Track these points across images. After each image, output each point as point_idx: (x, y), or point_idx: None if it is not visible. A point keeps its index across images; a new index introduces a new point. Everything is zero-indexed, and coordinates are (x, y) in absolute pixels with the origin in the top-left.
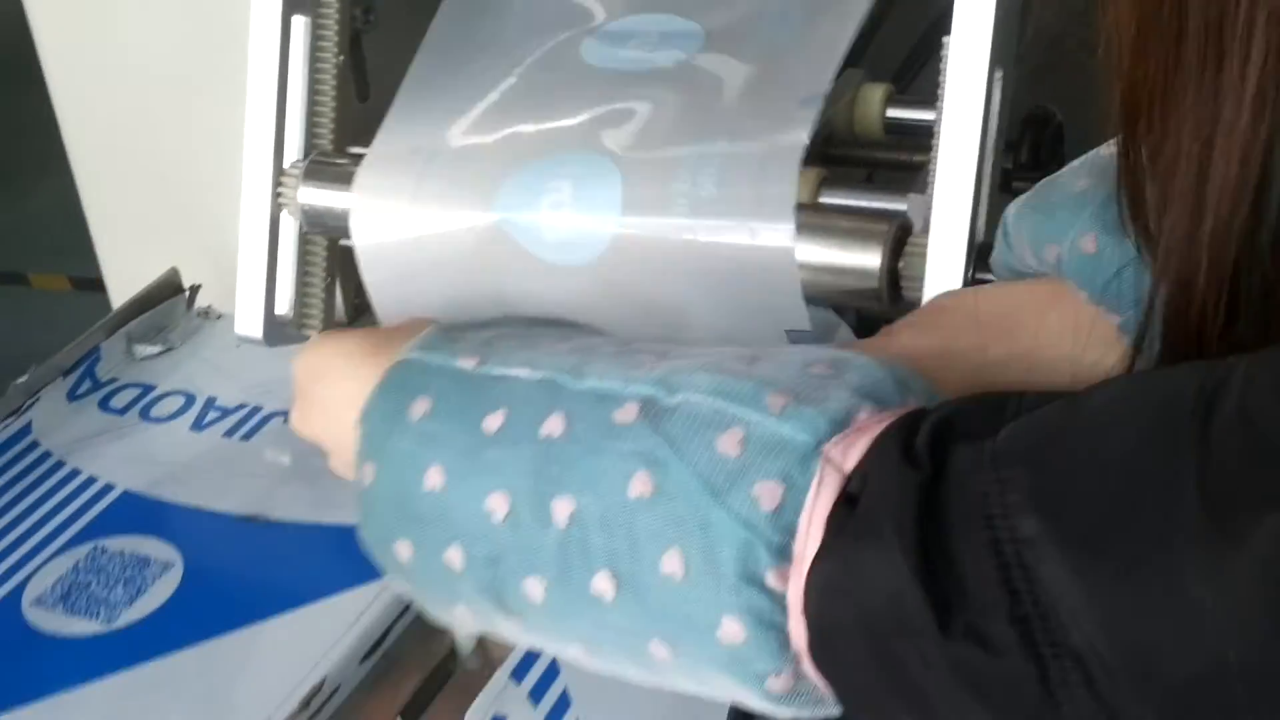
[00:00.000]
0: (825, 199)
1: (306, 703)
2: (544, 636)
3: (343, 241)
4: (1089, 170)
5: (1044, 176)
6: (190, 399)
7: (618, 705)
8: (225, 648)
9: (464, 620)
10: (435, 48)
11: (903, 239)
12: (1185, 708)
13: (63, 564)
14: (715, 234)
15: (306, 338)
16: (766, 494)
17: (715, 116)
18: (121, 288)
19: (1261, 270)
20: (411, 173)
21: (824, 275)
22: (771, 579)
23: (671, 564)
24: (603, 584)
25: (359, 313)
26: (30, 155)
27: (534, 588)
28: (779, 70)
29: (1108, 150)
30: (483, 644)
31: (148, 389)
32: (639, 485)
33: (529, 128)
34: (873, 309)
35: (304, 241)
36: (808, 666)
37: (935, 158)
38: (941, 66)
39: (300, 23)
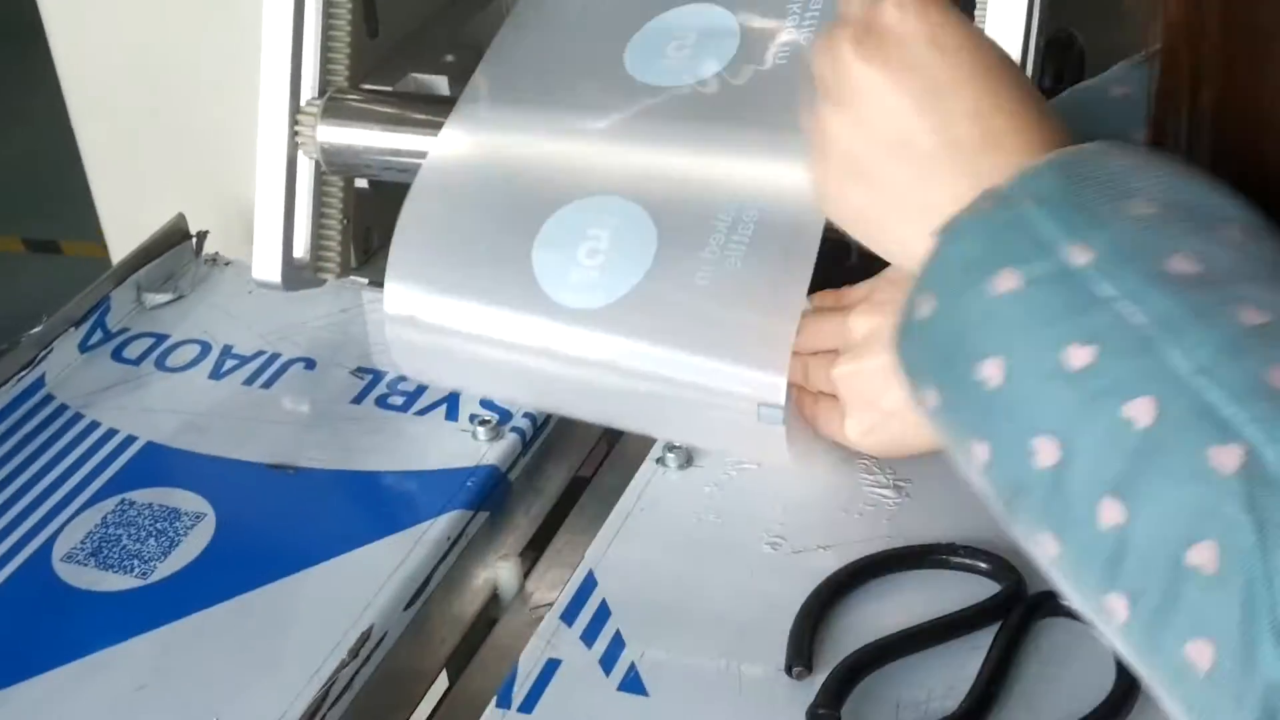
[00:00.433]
0: None
1: (356, 651)
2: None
3: (359, 182)
4: (1122, 78)
5: None
6: (206, 347)
7: (672, 644)
8: (266, 599)
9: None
10: (513, 30)
11: None
12: None
13: (90, 519)
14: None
15: (323, 282)
16: None
17: (748, 168)
18: (121, 236)
19: None
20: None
21: None
22: None
23: (1199, 654)
24: (1117, 605)
25: (369, 257)
26: None
27: (1048, 545)
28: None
29: (1131, 62)
30: (523, 590)
31: (161, 338)
32: (1201, 555)
33: (575, 155)
34: None
35: (320, 183)
36: None
37: None
38: None
39: None
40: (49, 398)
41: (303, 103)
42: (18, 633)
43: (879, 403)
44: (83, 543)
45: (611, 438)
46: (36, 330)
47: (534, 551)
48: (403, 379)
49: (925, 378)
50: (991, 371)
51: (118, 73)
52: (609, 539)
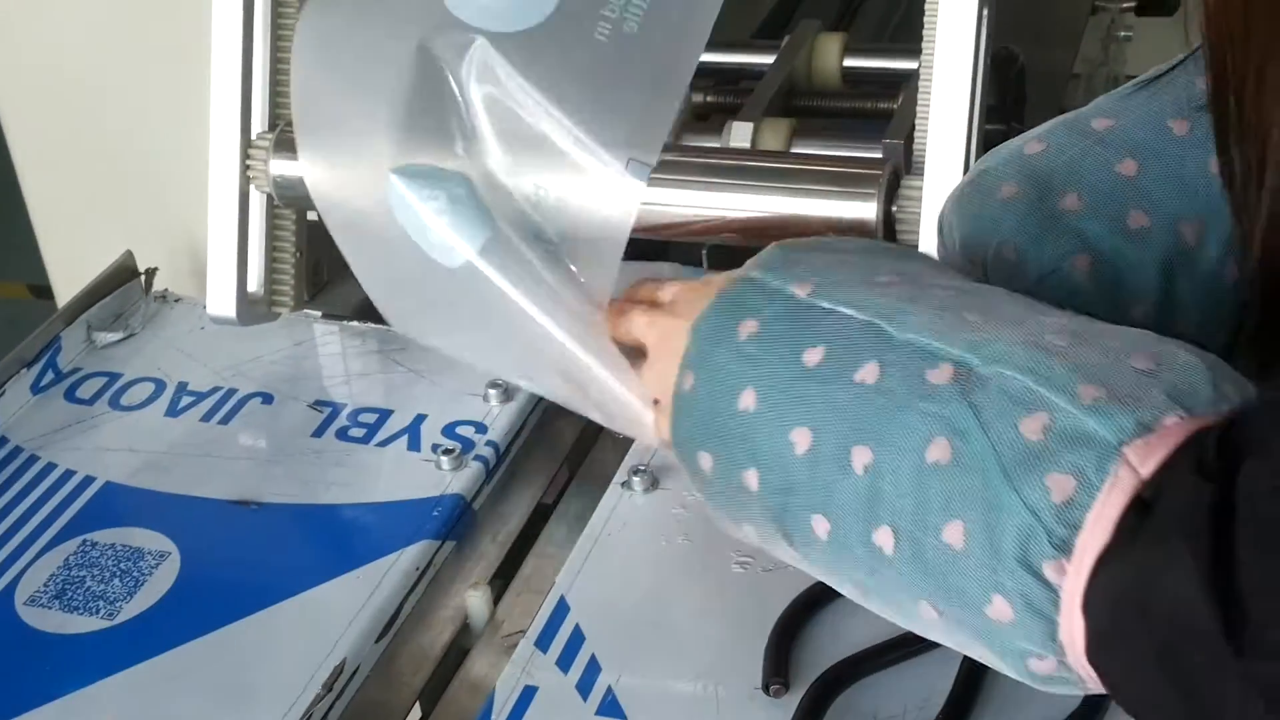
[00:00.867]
0: (798, 148)
1: (330, 685)
2: (821, 572)
3: (310, 215)
4: (1016, 171)
5: (1010, 117)
6: (160, 385)
7: (648, 667)
8: (235, 636)
9: (749, 538)
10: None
11: (895, 183)
12: None
13: (52, 561)
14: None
15: (277, 316)
16: (1058, 486)
17: (566, 129)
18: (68, 277)
19: None
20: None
21: (814, 225)
22: (1049, 570)
23: (953, 534)
24: (884, 538)
25: (320, 290)
26: None
27: (819, 526)
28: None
29: (1034, 147)
30: (494, 619)
31: (114, 377)
32: (937, 450)
33: (403, 111)
34: None
35: (273, 216)
36: (1076, 659)
37: (929, 99)
38: (928, 5)
39: None
40: (3, 440)
41: (253, 136)
42: None
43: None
44: (45, 585)
45: (574, 464)
46: None
47: (502, 580)
48: (363, 410)
49: (697, 443)
50: (748, 400)
51: (60, 112)
52: (579, 564)
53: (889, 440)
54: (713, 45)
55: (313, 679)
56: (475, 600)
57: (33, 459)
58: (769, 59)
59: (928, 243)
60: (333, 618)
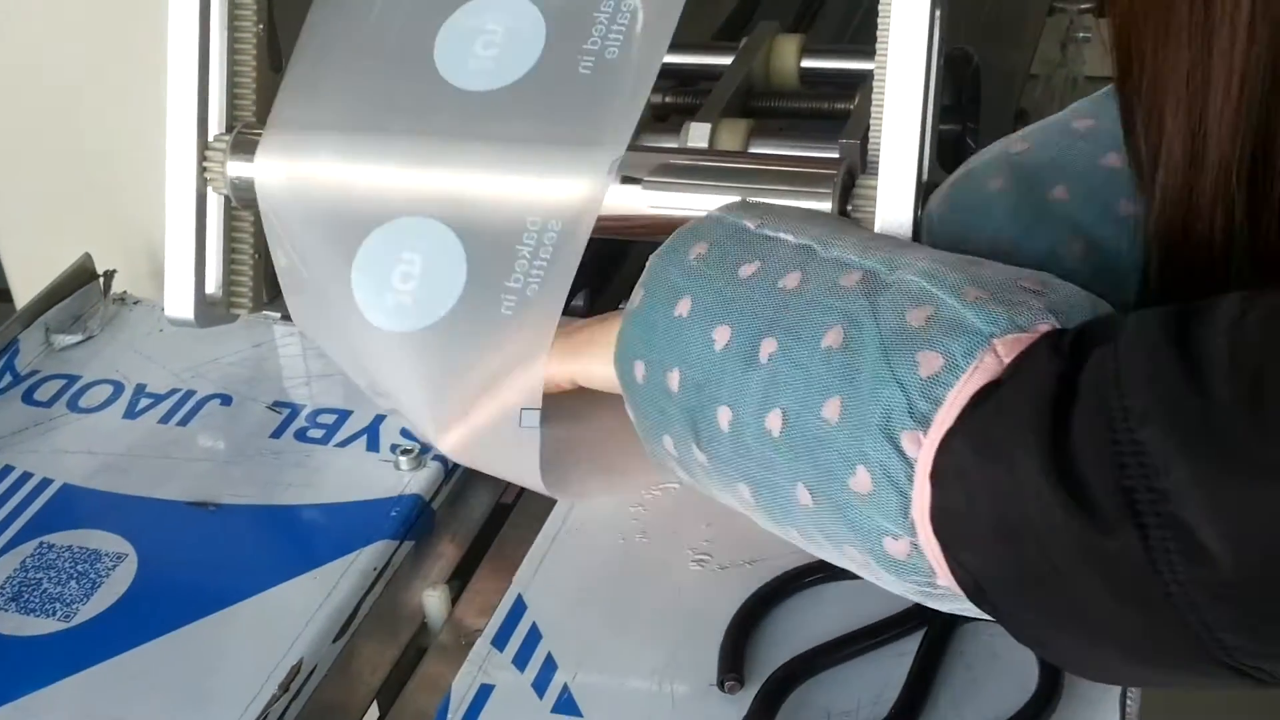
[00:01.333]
0: (755, 149)
1: (286, 685)
2: (721, 474)
3: None
4: (1003, 167)
5: (966, 117)
6: (119, 387)
7: (604, 665)
8: (192, 637)
9: (668, 453)
10: (315, 27)
11: (850, 183)
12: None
13: (8, 563)
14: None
15: (236, 317)
16: (926, 362)
17: (544, 184)
18: (26, 280)
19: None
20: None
21: None
22: (907, 441)
23: (830, 409)
24: (774, 421)
25: (277, 291)
26: None
27: (723, 416)
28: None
29: (1019, 146)
30: (452, 618)
31: (72, 379)
32: (832, 337)
33: (388, 173)
34: None
35: (230, 218)
36: (926, 540)
37: (882, 99)
38: (881, 6)
39: None
40: None
41: (210, 138)
42: None
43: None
44: (2, 588)
45: None
46: None
47: (461, 579)
48: (322, 411)
49: (634, 352)
50: (683, 308)
51: (16, 115)
52: (536, 563)
53: (793, 331)
54: (672, 47)
55: (269, 679)
56: (433, 600)
57: None
58: (728, 60)
59: None
60: (290, 618)
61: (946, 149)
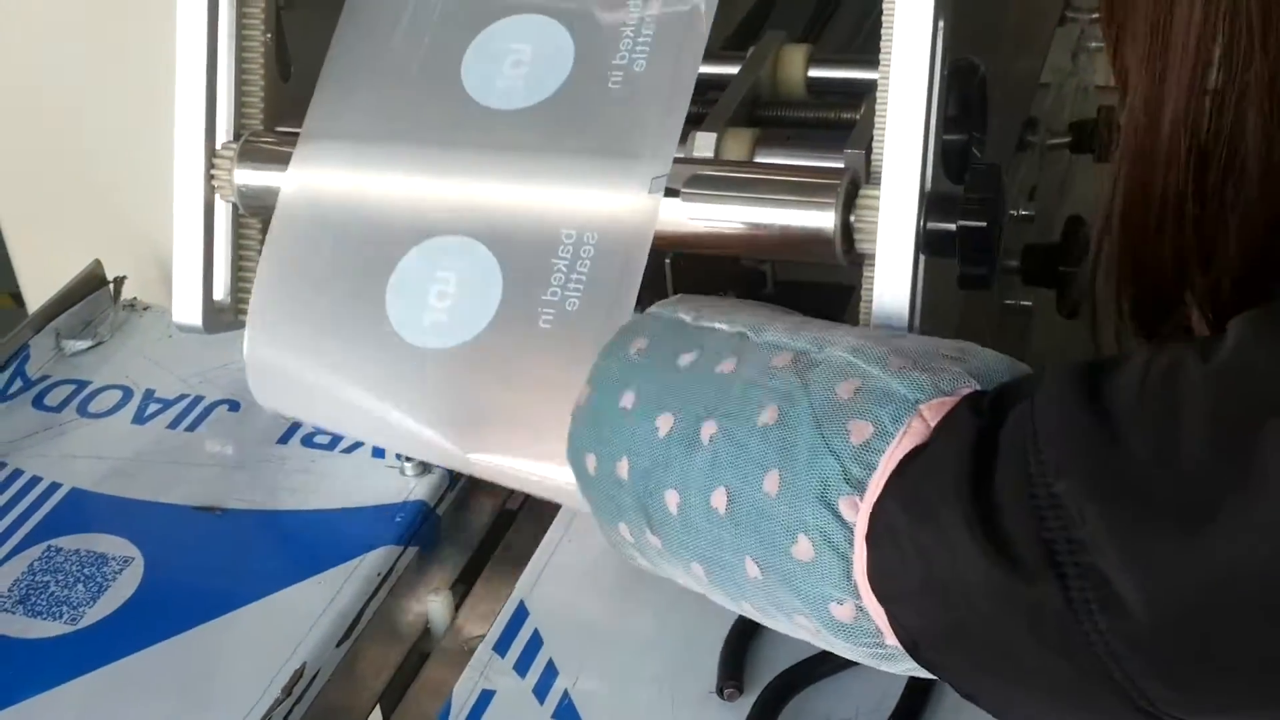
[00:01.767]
0: (761, 158)
1: (289, 690)
2: (675, 555)
3: None
4: None
5: (972, 127)
6: (128, 392)
7: (605, 671)
8: (197, 641)
9: (624, 540)
10: (342, 47)
11: (853, 193)
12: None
13: (16, 566)
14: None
15: (244, 324)
16: (858, 430)
17: (580, 195)
18: (39, 285)
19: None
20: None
21: (773, 233)
22: (844, 506)
23: (770, 483)
24: (719, 499)
25: None
26: None
27: (671, 500)
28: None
29: None
30: (455, 624)
31: (82, 384)
32: (768, 414)
33: (422, 192)
34: (825, 263)
35: (238, 225)
36: (870, 601)
37: (885, 110)
38: (885, 19)
39: (226, 1)
40: None
41: (218, 146)
42: None
43: None
44: (9, 590)
45: None
46: None
47: (464, 585)
48: None
49: (585, 447)
50: (628, 400)
51: (28, 123)
52: (539, 570)
53: (731, 413)
54: None
55: (273, 683)
56: (436, 606)
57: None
58: (735, 69)
59: (885, 250)
60: (294, 622)
61: (953, 159)
